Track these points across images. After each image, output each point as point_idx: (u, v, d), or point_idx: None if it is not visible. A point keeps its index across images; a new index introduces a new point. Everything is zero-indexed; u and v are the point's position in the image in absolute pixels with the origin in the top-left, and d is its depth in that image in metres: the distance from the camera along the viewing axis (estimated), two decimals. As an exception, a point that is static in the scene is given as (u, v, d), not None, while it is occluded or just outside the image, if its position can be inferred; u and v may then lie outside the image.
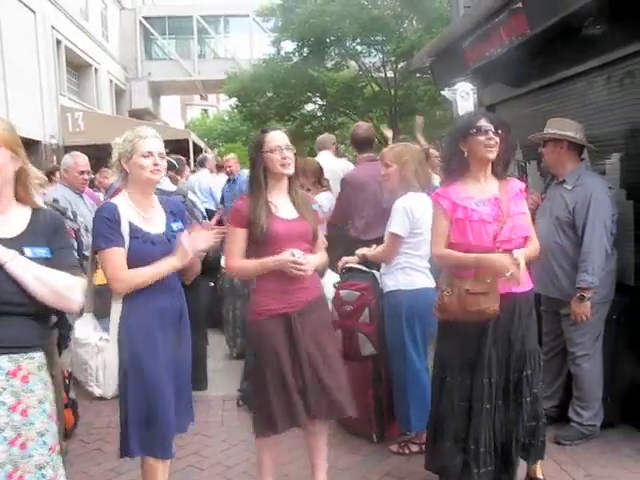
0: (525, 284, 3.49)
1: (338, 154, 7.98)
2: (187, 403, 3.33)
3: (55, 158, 17.80)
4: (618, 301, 4.32)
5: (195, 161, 12.70)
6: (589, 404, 4.30)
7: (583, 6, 4.29)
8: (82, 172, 6.02)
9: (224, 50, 36.98)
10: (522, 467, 3.65)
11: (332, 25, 20.51)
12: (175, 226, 3.27)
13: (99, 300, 3.48)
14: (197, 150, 20.11)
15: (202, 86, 36.69)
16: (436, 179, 5.25)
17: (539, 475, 3.67)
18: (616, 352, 4.39)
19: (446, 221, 3.45)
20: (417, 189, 4.11)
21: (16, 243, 2.39)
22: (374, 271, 4.40)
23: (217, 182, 9.88)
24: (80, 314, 3.45)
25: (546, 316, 4.55)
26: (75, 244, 4.27)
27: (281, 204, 3.48)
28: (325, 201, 5.94)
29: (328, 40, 21.81)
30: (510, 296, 3.38)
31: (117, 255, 3.04)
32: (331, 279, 4.91)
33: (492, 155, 3.40)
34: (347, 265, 4.52)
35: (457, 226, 3.41)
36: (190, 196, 5.67)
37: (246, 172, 5.68)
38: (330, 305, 4.65)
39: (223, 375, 5.83)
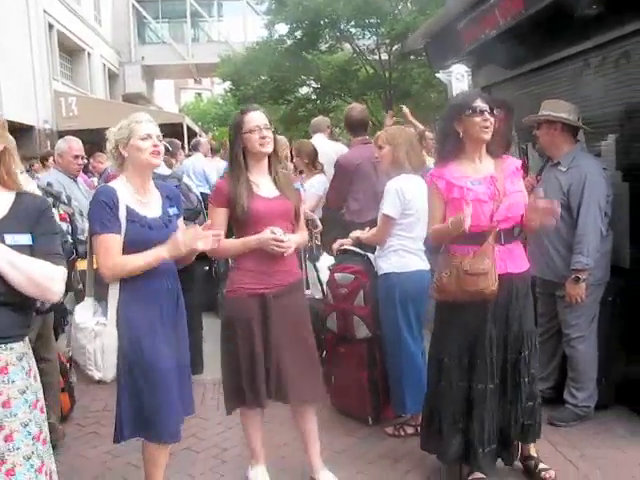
0: (521, 264, 3.50)
1: (333, 137, 7.96)
2: (188, 386, 3.33)
3: (49, 143, 17.72)
4: (613, 283, 4.33)
5: (189, 145, 12.64)
6: (584, 385, 4.32)
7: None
8: (76, 157, 6.00)
9: (218, 33, 36.77)
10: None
11: (326, 7, 20.35)
12: (171, 211, 3.26)
13: (98, 284, 3.47)
14: (191, 134, 20.01)
15: (196, 70, 36.48)
16: (430, 161, 5.24)
17: (533, 453, 3.70)
18: (611, 334, 4.40)
19: (441, 202, 3.45)
20: (409, 171, 4.11)
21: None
22: (368, 254, 4.40)
23: (211, 165, 9.84)
24: (82, 298, 3.44)
25: (541, 298, 4.56)
26: (69, 228, 4.26)
27: (262, 183, 3.50)
28: (318, 184, 5.94)
29: (322, 22, 21.64)
30: (507, 276, 3.38)
31: (111, 241, 3.02)
32: (326, 262, 4.93)
33: (487, 136, 3.40)
34: (342, 247, 4.52)
35: (453, 206, 3.41)
36: (185, 180, 5.65)
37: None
38: (325, 288, 4.68)
39: (218, 359, 5.81)
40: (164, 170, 5.18)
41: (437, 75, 8.84)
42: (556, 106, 4.34)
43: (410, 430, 4.29)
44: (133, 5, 34.21)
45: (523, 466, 3.72)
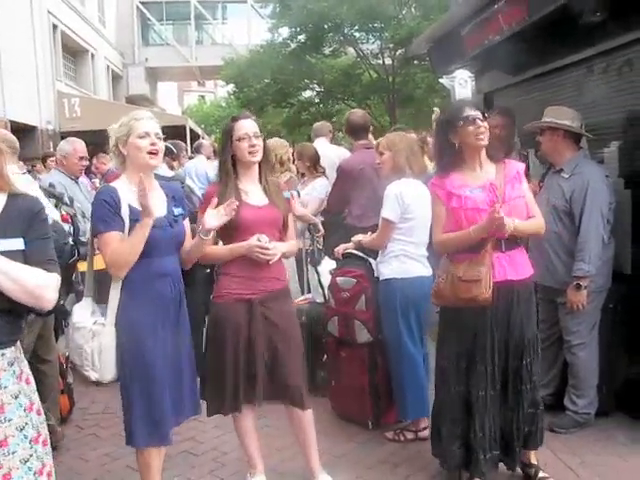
0: (523, 271, 3.49)
1: (335, 141, 7.97)
2: (192, 388, 3.32)
3: (51, 144, 17.75)
4: (615, 290, 4.32)
5: (192, 147, 12.65)
6: (584, 392, 4.30)
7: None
8: (81, 158, 6.02)
9: (221, 36, 36.86)
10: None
11: (330, 11, 20.39)
12: (176, 211, 3.26)
13: (98, 286, 3.47)
14: (194, 136, 20.05)
15: (199, 72, 36.54)
16: (431, 166, 5.24)
17: (533, 461, 3.68)
18: (612, 341, 4.39)
19: (444, 208, 3.47)
20: (409, 176, 4.12)
21: None
22: (370, 259, 4.40)
23: (214, 168, 9.84)
24: (80, 298, 3.44)
25: (542, 304, 4.54)
26: (71, 229, 4.26)
27: (251, 191, 3.51)
28: (320, 187, 5.93)
29: (326, 26, 21.70)
30: (507, 283, 3.39)
31: (115, 239, 3.01)
32: (327, 266, 4.92)
33: (484, 142, 3.40)
34: (347, 251, 4.52)
35: (452, 215, 3.42)
36: (187, 182, 5.66)
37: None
38: (327, 291, 4.67)
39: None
40: (166, 172, 5.20)
41: (440, 80, 8.85)
42: (559, 113, 4.34)
43: (410, 435, 4.28)
44: (137, 7, 34.32)
45: (523, 473, 3.70)
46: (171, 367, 3.15)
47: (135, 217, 3.05)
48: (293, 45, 23.08)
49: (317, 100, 25.97)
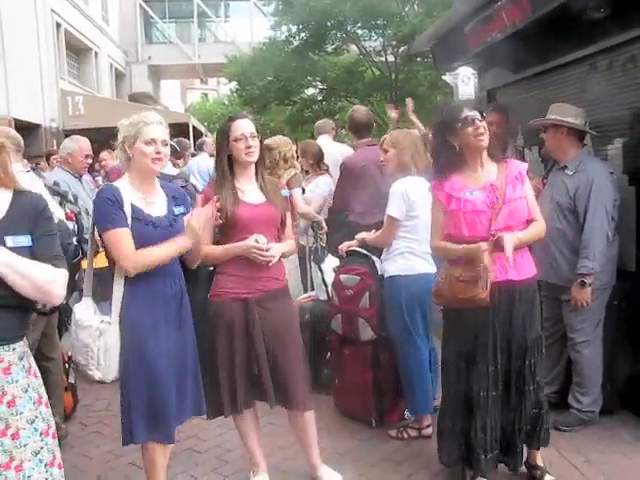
0: (526, 270, 3.48)
1: (338, 139, 7.96)
2: (197, 386, 3.32)
3: (55, 141, 17.75)
4: (619, 287, 4.31)
5: (195, 145, 12.66)
6: (588, 390, 4.30)
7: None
8: (86, 156, 6.04)
9: (224, 34, 36.82)
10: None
11: (332, 9, 20.35)
12: (177, 210, 3.26)
13: (98, 284, 3.47)
14: (197, 134, 20.03)
15: (202, 70, 36.53)
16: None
17: (539, 462, 3.67)
18: (616, 339, 4.38)
19: (442, 213, 3.46)
20: (414, 174, 4.11)
21: None
22: (374, 257, 4.39)
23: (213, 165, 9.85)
24: (80, 298, 3.44)
25: (546, 302, 4.54)
26: (75, 227, 4.26)
27: (248, 189, 3.52)
28: (324, 185, 5.93)
29: (329, 24, 21.66)
30: (509, 283, 3.37)
31: (125, 235, 3.02)
32: (331, 263, 4.92)
33: (485, 142, 3.38)
34: (350, 249, 4.52)
35: (451, 217, 3.41)
36: (192, 180, 5.66)
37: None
38: (330, 289, 4.67)
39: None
40: (171, 170, 5.19)
41: (443, 77, 8.84)
42: (563, 110, 4.33)
43: (413, 433, 4.28)
44: (140, 5, 34.29)
45: (528, 474, 3.69)
46: (175, 365, 3.15)
47: (137, 215, 3.07)
48: (296, 42, 23.04)
49: (320, 97, 25.92)
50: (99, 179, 9.65)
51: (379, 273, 4.32)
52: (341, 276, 4.51)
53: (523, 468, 3.67)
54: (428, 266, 4.08)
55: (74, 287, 4.24)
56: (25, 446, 2.39)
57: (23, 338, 2.46)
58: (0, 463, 2.33)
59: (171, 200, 3.27)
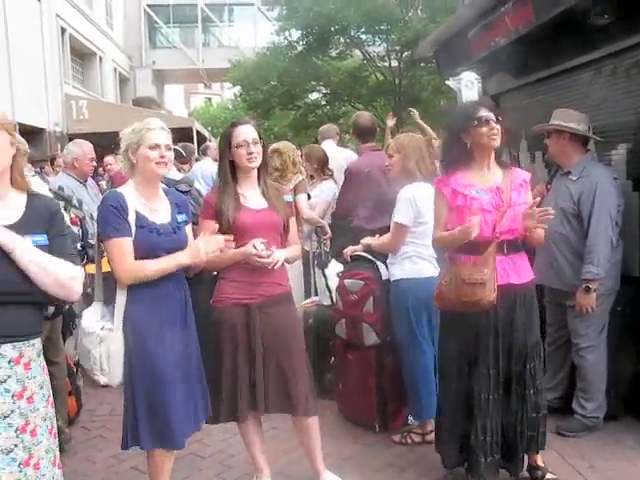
0: (525, 275, 3.48)
1: (342, 143, 7.97)
2: (201, 391, 3.32)
3: (59, 146, 17.78)
4: (623, 293, 4.30)
5: (199, 149, 12.68)
6: (593, 396, 4.29)
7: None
8: (91, 159, 6.06)
9: (228, 39, 36.91)
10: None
11: (336, 14, 20.41)
12: (180, 217, 3.27)
13: (106, 288, 3.47)
14: (201, 138, 20.06)
15: (206, 74, 36.62)
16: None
17: (540, 463, 3.66)
18: (620, 344, 4.37)
19: (446, 208, 3.46)
20: (419, 179, 4.10)
21: (16, 229, 2.38)
22: (378, 262, 4.39)
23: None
24: (89, 303, 3.44)
25: (550, 307, 4.54)
26: (80, 232, 4.28)
27: (250, 195, 3.52)
28: (328, 190, 5.93)
29: (332, 29, 21.72)
30: (509, 287, 3.37)
31: (124, 245, 3.02)
32: (334, 269, 4.92)
33: (496, 143, 3.40)
34: (355, 253, 4.52)
35: (457, 213, 3.41)
36: (196, 185, 5.67)
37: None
38: (334, 294, 4.67)
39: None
40: (175, 175, 5.20)
41: (447, 82, 8.83)
42: (565, 115, 4.33)
43: (417, 438, 4.27)
44: (145, 10, 34.41)
45: (530, 476, 3.68)
46: (181, 370, 3.15)
47: (141, 223, 3.07)
48: (300, 47, 23.11)
49: (323, 102, 25.99)
50: (102, 183, 9.68)
51: (384, 278, 4.32)
52: (345, 281, 4.51)
53: (525, 473, 3.66)
54: (435, 270, 4.07)
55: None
56: (40, 444, 2.44)
57: (40, 335, 2.53)
58: (20, 460, 2.37)
59: (174, 207, 3.28)
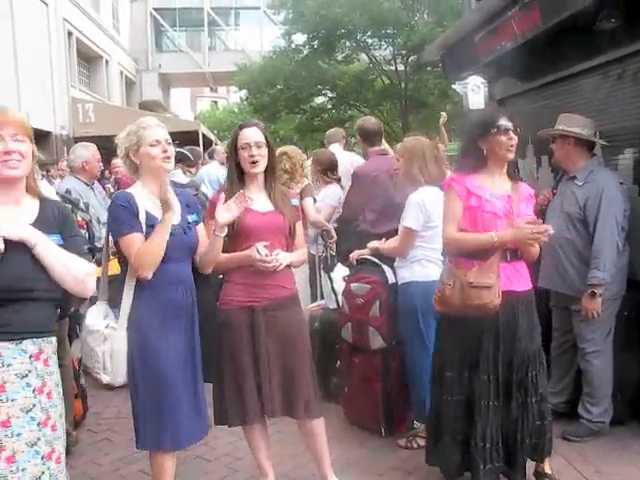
0: (526, 283, 3.47)
1: (348, 147, 7.98)
2: (201, 402, 3.31)
3: (65, 149, 17.85)
4: (629, 297, 4.29)
5: (206, 153, 12.71)
6: (599, 400, 4.28)
7: (597, 0, 4.27)
8: (99, 160, 6.10)
9: (234, 42, 37.03)
10: (530, 462, 3.63)
11: (343, 18, 20.48)
12: (190, 218, 3.28)
13: (112, 289, 3.49)
14: (207, 142, 20.10)
15: (212, 78, 36.72)
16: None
17: (547, 470, 3.64)
18: (626, 348, 4.36)
19: (460, 204, 3.42)
20: (422, 184, 4.10)
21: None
22: (384, 266, 4.39)
23: (223, 173, 9.87)
24: (92, 302, 3.45)
25: (556, 311, 4.53)
26: (87, 235, 4.29)
27: (257, 197, 3.51)
28: (333, 194, 5.94)
29: (338, 33, 21.76)
30: (511, 294, 3.35)
31: (140, 240, 3.04)
32: (340, 272, 4.92)
33: (512, 155, 3.40)
34: (361, 257, 4.52)
35: (469, 214, 3.39)
36: (202, 189, 5.68)
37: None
38: (340, 298, 4.67)
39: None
40: (182, 179, 5.22)
41: (453, 86, 8.86)
42: (570, 120, 4.33)
43: (423, 442, 4.24)
44: (151, 14, 34.54)
45: (537, 483, 3.68)
46: (184, 371, 3.16)
47: (151, 223, 3.08)
48: (306, 51, 23.15)
49: (329, 106, 26.03)
50: (109, 186, 9.70)
51: (390, 281, 4.32)
52: (352, 284, 4.51)
53: (532, 478, 3.65)
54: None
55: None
56: (59, 439, 2.51)
57: (55, 333, 2.59)
58: (43, 453, 2.42)
59: (184, 207, 3.29)
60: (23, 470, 2.34)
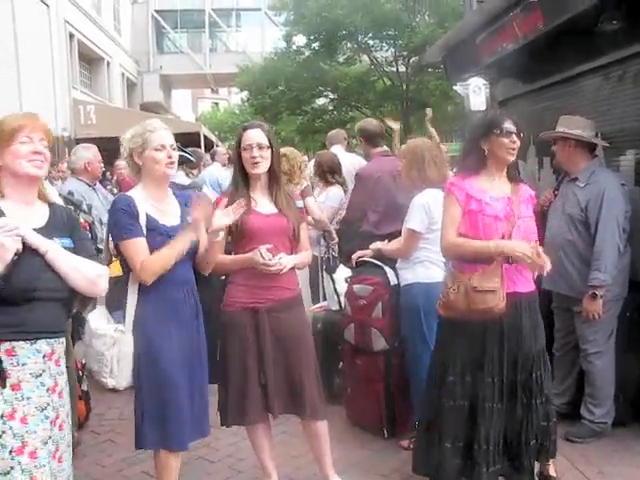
0: (529, 284, 3.47)
1: (349, 149, 7.98)
2: (204, 403, 3.32)
3: (67, 150, 17.87)
4: (631, 299, 4.29)
5: (209, 154, 12.71)
6: (601, 402, 4.28)
7: (598, 1, 4.27)
8: (100, 161, 6.11)
9: (235, 44, 37.04)
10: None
11: (344, 19, 20.49)
12: (190, 219, 3.28)
13: (109, 293, 3.49)
14: (208, 143, 20.10)
15: (213, 79, 36.73)
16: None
17: (552, 472, 3.62)
18: (629, 350, 4.36)
19: (460, 209, 3.41)
20: (421, 186, 4.10)
21: (44, 233, 2.51)
22: (386, 267, 4.39)
23: (225, 175, 9.84)
24: (93, 307, 3.46)
25: (558, 313, 4.54)
26: (89, 237, 4.30)
27: (261, 199, 3.52)
28: (334, 196, 5.95)
29: (340, 34, 21.78)
30: (515, 295, 3.34)
31: (140, 244, 3.05)
32: (343, 273, 4.93)
33: (512, 158, 3.38)
34: (361, 259, 4.52)
35: (469, 218, 3.38)
36: (204, 190, 5.69)
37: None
38: (343, 299, 4.67)
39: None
40: (183, 180, 5.22)
41: (454, 88, 8.86)
42: (570, 122, 4.33)
43: (425, 444, 4.26)
44: (152, 15, 34.56)
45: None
46: (189, 373, 3.17)
47: (151, 226, 3.09)
48: (307, 52, 23.16)
49: (331, 107, 26.02)
50: (109, 188, 9.71)
51: (392, 283, 4.32)
52: (354, 286, 4.51)
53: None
54: (444, 274, 4.07)
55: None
56: (64, 438, 2.57)
57: (65, 334, 2.67)
58: (51, 451, 2.49)
59: (184, 209, 3.29)
60: (44, 466, 2.43)
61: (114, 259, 3.35)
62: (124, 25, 31.14)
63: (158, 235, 3.10)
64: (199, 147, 15.92)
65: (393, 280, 4.33)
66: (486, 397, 3.36)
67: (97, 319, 3.33)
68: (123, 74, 30.02)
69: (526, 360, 3.40)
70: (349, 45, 23.00)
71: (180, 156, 4.11)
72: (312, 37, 22.49)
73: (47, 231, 2.53)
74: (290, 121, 26.63)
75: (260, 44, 33.96)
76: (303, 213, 3.74)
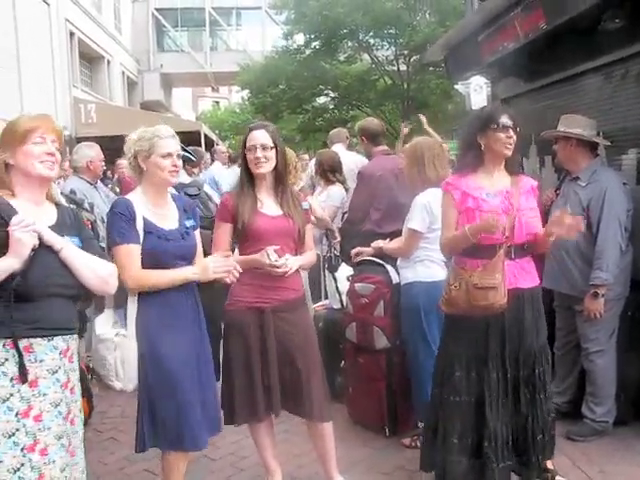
0: (531, 280, 3.47)
1: (350, 147, 7.99)
2: (213, 401, 3.33)
3: (68, 149, 17.85)
4: (632, 298, 4.29)
5: (210, 153, 12.72)
6: (602, 400, 4.29)
7: (600, 0, 4.28)
8: (102, 160, 6.12)
9: (236, 42, 37.00)
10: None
11: (345, 18, 20.47)
12: (188, 223, 3.29)
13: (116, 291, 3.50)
14: (208, 142, 20.08)
15: (214, 78, 36.68)
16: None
17: (550, 466, 3.61)
18: (630, 348, 4.37)
19: (456, 211, 3.42)
20: (422, 187, 4.10)
21: (56, 231, 2.54)
22: (388, 266, 4.40)
23: (226, 174, 9.84)
24: (101, 310, 3.46)
25: (559, 311, 4.54)
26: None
27: (267, 200, 3.52)
28: (335, 195, 5.95)
29: (341, 33, 21.76)
30: (517, 291, 3.35)
31: (131, 251, 3.04)
32: (344, 272, 4.93)
33: (509, 152, 3.38)
34: (361, 258, 4.52)
35: (467, 215, 3.38)
36: (205, 188, 5.68)
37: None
38: (345, 298, 4.67)
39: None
40: (184, 178, 5.21)
41: (456, 87, 8.85)
42: (571, 121, 4.33)
43: (427, 442, 4.26)
44: (153, 14, 34.52)
45: (540, 479, 3.67)
46: (195, 373, 3.17)
47: (149, 230, 3.10)
48: (308, 51, 23.15)
49: (332, 106, 26.00)
50: (110, 186, 9.71)
51: (394, 281, 4.33)
52: (356, 284, 4.52)
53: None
54: (445, 273, 4.07)
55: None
56: (76, 433, 2.62)
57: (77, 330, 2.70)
58: (67, 445, 2.54)
59: (182, 213, 3.30)
60: (54, 462, 2.47)
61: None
62: (124, 23, 31.11)
63: (156, 238, 3.10)
64: (199, 146, 15.93)
65: (395, 278, 4.34)
66: (492, 393, 3.37)
67: (103, 324, 3.33)
68: (124, 73, 29.99)
69: (528, 356, 3.41)
70: (350, 44, 22.97)
71: (182, 156, 4.12)
72: (313, 36, 22.47)
73: (58, 230, 2.56)
74: (291, 120, 26.59)
75: (261, 43, 33.92)
76: (309, 214, 3.73)
